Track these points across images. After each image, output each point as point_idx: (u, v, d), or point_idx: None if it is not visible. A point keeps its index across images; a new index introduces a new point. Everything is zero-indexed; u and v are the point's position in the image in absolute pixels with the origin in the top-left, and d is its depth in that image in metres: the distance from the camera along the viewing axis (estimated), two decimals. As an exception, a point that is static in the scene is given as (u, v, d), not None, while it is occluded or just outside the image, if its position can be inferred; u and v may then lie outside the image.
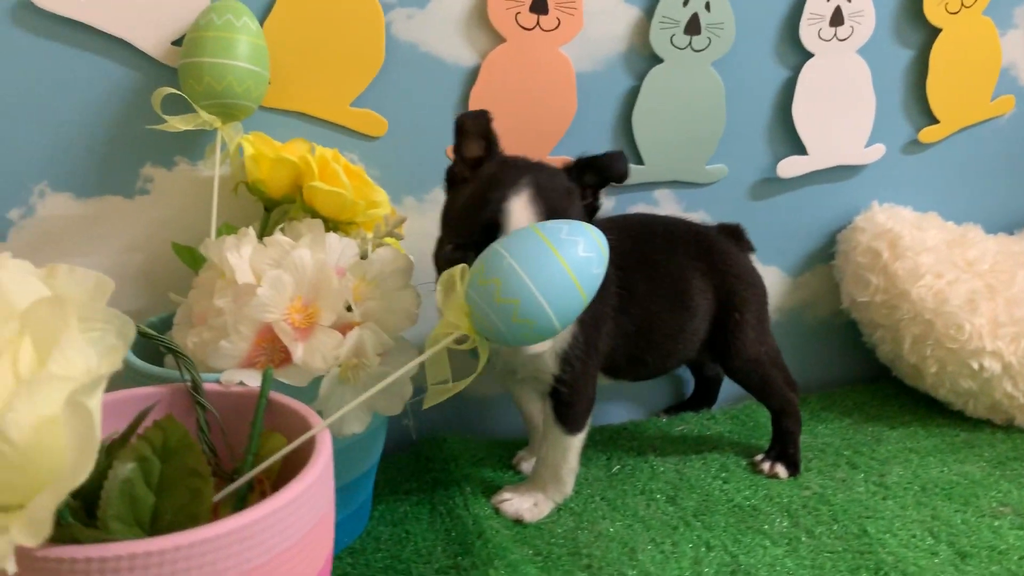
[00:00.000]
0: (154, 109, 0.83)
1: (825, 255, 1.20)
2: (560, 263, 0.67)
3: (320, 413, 0.71)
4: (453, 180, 0.85)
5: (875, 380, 1.21)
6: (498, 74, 0.98)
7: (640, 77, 1.04)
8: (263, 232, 0.88)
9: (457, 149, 0.83)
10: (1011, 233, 1.25)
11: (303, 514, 0.56)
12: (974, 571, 0.81)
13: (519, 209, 0.76)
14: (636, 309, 0.91)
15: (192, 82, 0.83)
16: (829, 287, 1.20)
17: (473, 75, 0.98)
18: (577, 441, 0.90)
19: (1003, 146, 1.24)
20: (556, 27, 0.98)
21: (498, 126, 0.92)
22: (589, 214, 0.83)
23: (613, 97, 1.05)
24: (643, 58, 1.04)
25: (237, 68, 0.83)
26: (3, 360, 0.45)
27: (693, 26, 1.03)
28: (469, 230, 0.78)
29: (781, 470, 1.00)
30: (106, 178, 0.90)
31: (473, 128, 0.82)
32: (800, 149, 1.12)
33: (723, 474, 0.99)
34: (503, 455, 1.03)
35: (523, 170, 0.79)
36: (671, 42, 1.03)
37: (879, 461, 1.02)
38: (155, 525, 0.56)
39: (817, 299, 1.21)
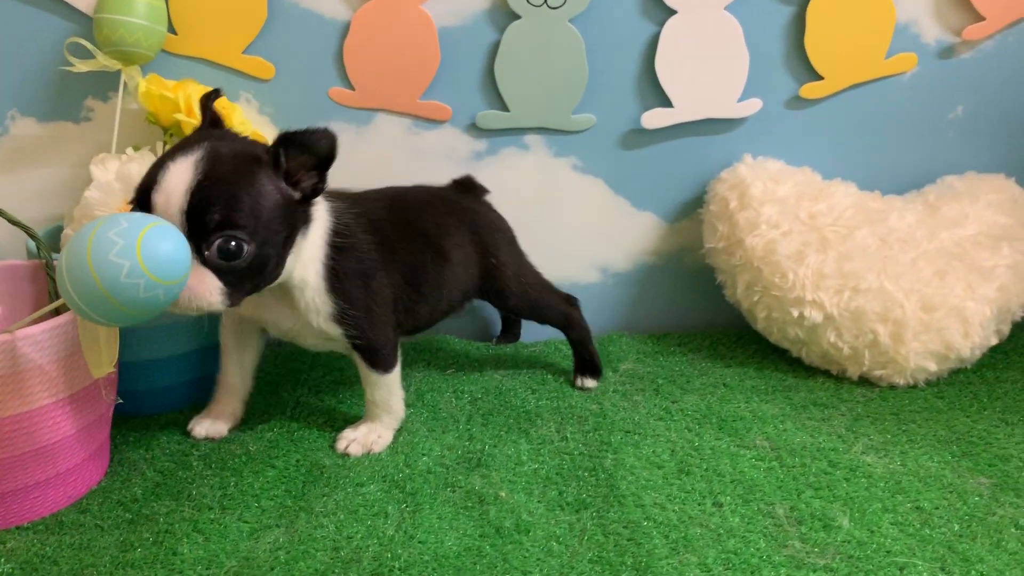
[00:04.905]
0: (64, 54, 1.08)
1: (700, 203, 1.25)
2: (88, 267, 0.66)
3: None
4: None
5: (743, 326, 1.26)
6: (366, 28, 1.14)
7: (503, 32, 1.16)
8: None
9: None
10: (900, 194, 1.24)
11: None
12: (680, 485, 0.90)
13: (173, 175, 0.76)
14: (400, 266, 0.98)
15: (96, 33, 1.06)
16: (705, 234, 1.26)
17: (347, 28, 1.15)
18: (394, 376, 0.98)
19: (901, 104, 1.23)
20: (415, -13, 1.13)
21: (370, 73, 1.08)
22: (309, 196, 0.85)
23: (478, 49, 1.17)
24: (505, 14, 1.16)
25: (128, 23, 1.05)
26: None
27: (547, -14, 1.13)
28: (137, 191, 0.79)
29: (589, 382, 1.12)
30: (59, 107, 1.17)
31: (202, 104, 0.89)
32: (667, 102, 1.19)
33: (539, 387, 1.12)
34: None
35: (202, 140, 0.81)
36: (527, 1, 1.14)
37: (684, 391, 1.10)
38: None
39: (695, 245, 1.28)
